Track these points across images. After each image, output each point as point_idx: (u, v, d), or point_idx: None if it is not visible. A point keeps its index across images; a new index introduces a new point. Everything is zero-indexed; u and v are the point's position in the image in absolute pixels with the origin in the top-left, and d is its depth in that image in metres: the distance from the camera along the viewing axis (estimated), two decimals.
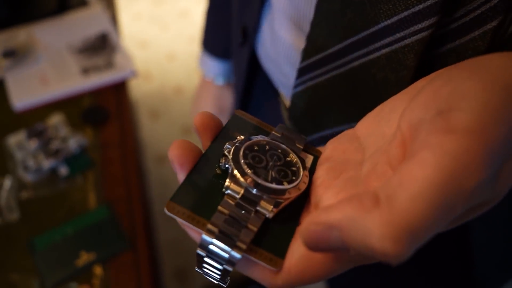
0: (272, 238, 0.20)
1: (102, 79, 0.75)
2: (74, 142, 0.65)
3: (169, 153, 0.22)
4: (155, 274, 0.56)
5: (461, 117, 0.16)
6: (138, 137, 1.61)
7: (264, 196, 0.21)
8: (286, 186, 0.22)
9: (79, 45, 0.79)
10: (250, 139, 0.23)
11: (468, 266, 0.45)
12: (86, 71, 0.76)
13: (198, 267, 0.21)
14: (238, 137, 0.24)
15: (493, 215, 0.37)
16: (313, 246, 0.17)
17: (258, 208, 0.20)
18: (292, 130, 0.26)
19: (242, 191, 0.21)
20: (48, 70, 0.75)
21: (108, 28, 0.82)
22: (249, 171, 0.21)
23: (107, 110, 0.72)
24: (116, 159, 0.66)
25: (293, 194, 0.21)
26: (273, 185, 0.21)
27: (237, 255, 0.19)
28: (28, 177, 0.62)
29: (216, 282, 0.22)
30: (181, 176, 0.22)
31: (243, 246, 0.19)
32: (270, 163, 0.22)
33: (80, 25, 0.83)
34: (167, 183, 1.59)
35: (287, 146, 0.24)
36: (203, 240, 0.19)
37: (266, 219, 0.20)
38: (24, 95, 0.72)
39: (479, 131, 0.15)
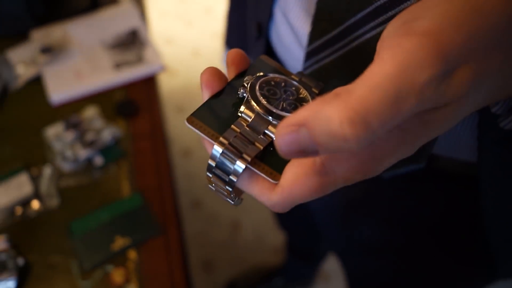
0: (274, 157, 0.22)
1: (133, 74, 0.78)
2: (108, 134, 0.69)
3: (201, 76, 0.25)
4: (184, 259, 0.59)
5: (422, 23, 0.17)
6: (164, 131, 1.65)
7: (273, 122, 0.23)
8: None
9: (111, 41, 0.83)
10: (267, 75, 0.26)
11: (483, 247, 0.45)
12: (118, 65, 0.79)
13: (208, 182, 0.23)
14: (259, 74, 0.26)
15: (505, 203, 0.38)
16: (286, 149, 0.18)
17: (266, 131, 0.23)
18: (311, 77, 0.28)
19: (253, 116, 0.23)
20: (82, 65, 0.79)
21: (138, 24, 0.86)
22: (262, 99, 0.24)
23: (138, 103, 0.75)
24: (147, 150, 0.69)
25: None
26: (282, 113, 0.24)
27: (242, 164, 0.21)
28: (66, 167, 0.66)
29: (225, 199, 0.24)
30: (205, 96, 0.25)
31: (248, 158, 0.21)
32: (283, 96, 0.25)
33: (111, 21, 0.86)
34: (193, 176, 1.63)
35: (303, 87, 0.26)
36: (214, 150, 0.22)
37: (272, 141, 0.23)
38: (60, 89, 0.75)
39: (436, 34, 0.17)
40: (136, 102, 0.75)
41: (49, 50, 0.80)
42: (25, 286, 0.55)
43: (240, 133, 0.22)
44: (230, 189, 0.23)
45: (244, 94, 0.24)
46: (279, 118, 0.23)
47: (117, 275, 0.56)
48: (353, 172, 0.20)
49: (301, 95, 0.26)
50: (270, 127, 0.23)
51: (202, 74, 0.25)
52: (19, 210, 0.61)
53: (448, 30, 0.17)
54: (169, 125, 1.78)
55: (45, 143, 0.69)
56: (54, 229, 0.60)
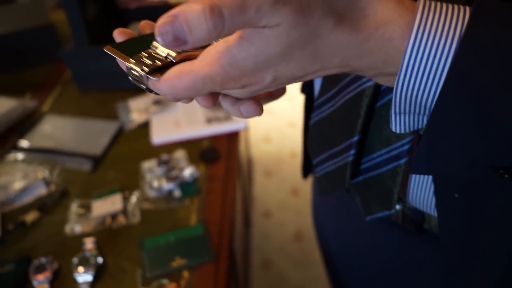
0: (166, 69, 0.29)
1: (220, 128, 0.93)
2: (189, 173, 0.82)
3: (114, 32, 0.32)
4: (228, 286, 0.67)
5: None
6: (249, 191, 1.77)
7: (174, 48, 0.29)
8: None
9: None
10: None
11: None
12: (209, 120, 0.95)
13: (130, 79, 0.31)
14: None
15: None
16: (164, 35, 0.24)
17: (167, 56, 0.29)
18: None
19: (159, 46, 0.30)
20: (181, 117, 0.96)
21: None
22: None
23: (219, 152, 0.88)
24: (219, 190, 0.80)
25: (194, 49, 0.29)
26: None
27: (142, 73, 0.28)
28: (151, 194, 0.80)
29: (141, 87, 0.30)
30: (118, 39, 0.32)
31: (146, 69, 0.28)
32: None
33: None
34: (268, 237, 1.70)
35: None
36: (127, 67, 0.29)
37: (172, 62, 0.29)
38: (161, 133, 0.92)
39: None
40: (218, 150, 0.88)
41: (159, 103, 0.99)
42: (99, 281, 0.67)
43: (149, 55, 0.29)
44: (144, 87, 0.30)
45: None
46: None
47: None
48: (213, 72, 0.26)
49: None
50: (170, 52, 0.29)
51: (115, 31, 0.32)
52: (108, 221, 0.75)
53: None
54: (255, 186, 1.90)
55: (140, 173, 0.84)
56: (130, 241, 0.72)
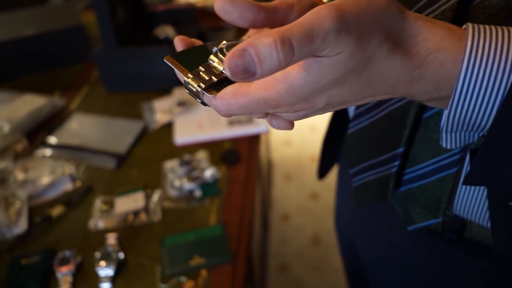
0: (224, 87, 0.30)
1: (242, 131, 0.94)
2: (209, 174, 0.83)
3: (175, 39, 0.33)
4: (245, 287, 0.68)
5: (333, 2, 0.25)
6: (269, 194, 1.78)
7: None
8: None
9: None
10: (237, 41, 0.33)
11: None
12: (231, 123, 0.96)
13: (187, 92, 0.32)
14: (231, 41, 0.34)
15: None
16: (233, 68, 0.24)
17: (223, 70, 0.30)
18: None
19: (216, 61, 0.31)
20: (204, 119, 0.98)
21: None
22: (225, 51, 0.32)
23: (240, 154, 0.89)
24: (239, 192, 0.82)
25: None
26: None
27: (198, 89, 0.30)
28: (172, 193, 0.81)
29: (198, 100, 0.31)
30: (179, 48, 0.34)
31: (203, 86, 0.30)
32: None
33: None
34: (286, 241, 1.70)
35: None
36: (184, 81, 0.30)
37: (227, 78, 0.30)
38: (184, 134, 0.94)
39: (339, 5, 0.25)
40: (239, 153, 0.89)
41: (183, 104, 1.01)
42: (120, 276, 0.69)
43: (206, 69, 0.31)
44: (199, 100, 0.31)
45: (215, 49, 0.33)
46: None
47: (188, 287, 0.67)
48: (269, 97, 0.28)
49: None
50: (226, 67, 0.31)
51: (177, 38, 0.34)
52: (130, 218, 0.78)
53: (347, 5, 0.25)
54: (274, 189, 1.91)
55: (162, 172, 0.86)
56: (151, 238, 0.74)
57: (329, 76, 0.26)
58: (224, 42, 0.34)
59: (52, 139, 0.96)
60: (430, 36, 0.28)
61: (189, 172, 0.84)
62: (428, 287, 0.53)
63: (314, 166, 2.00)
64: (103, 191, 0.84)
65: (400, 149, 0.44)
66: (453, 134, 0.32)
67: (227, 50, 0.32)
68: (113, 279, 0.68)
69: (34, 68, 1.22)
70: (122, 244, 0.73)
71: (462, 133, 0.32)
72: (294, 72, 0.26)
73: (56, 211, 0.79)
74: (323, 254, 1.64)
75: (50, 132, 0.98)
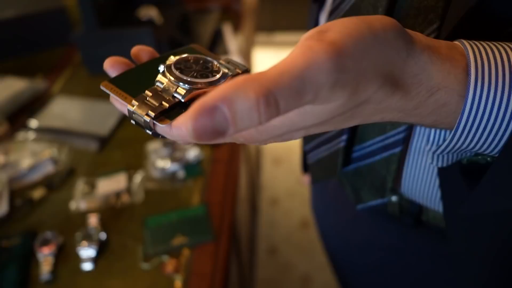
0: (177, 113, 0.25)
1: None
2: (193, 155, 0.83)
3: (105, 64, 0.28)
4: (227, 266, 0.68)
5: (331, 34, 0.21)
6: (257, 178, 1.78)
7: (181, 84, 0.26)
8: (200, 80, 0.27)
9: None
10: (187, 55, 0.29)
11: None
12: None
13: (133, 124, 0.27)
14: (181, 55, 0.29)
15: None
16: (199, 130, 0.19)
17: (174, 94, 0.26)
18: (238, 62, 0.30)
19: (165, 82, 0.27)
20: None
21: None
22: (175, 70, 0.27)
23: None
24: (222, 173, 0.81)
25: (204, 86, 0.26)
26: (191, 79, 0.27)
27: (147, 119, 0.25)
28: (155, 174, 0.81)
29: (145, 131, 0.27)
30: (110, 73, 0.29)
31: (152, 114, 0.25)
32: (197, 68, 0.28)
33: None
34: (275, 224, 1.71)
35: (224, 67, 0.28)
36: (129, 110, 0.26)
37: (181, 102, 0.26)
38: None
39: (338, 44, 0.21)
40: None
41: None
42: (102, 256, 0.69)
43: (153, 94, 0.26)
44: (149, 132, 0.27)
45: (161, 69, 0.28)
46: (186, 82, 0.26)
47: (170, 265, 0.67)
48: (237, 135, 0.25)
49: (214, 68, 0.28)
50: (178, 89, 0.26)
51: (106, 61, 0.29)
52: (113, 199, 0.77)
53: (348, 43, 0.21)
54: (263, 174, 1.91)
55: (144, 154, 0.86)
56: (133, 219, 0.74)
57: (311, 121, 0.24)
58: (172, 57, 0.29)
59: (34, 122, 0.95)
60: (434, 72, 0.25)
61: (172, 153, 0.83)
62: (387, 269, 0.54)
63: None
64: (85, 173, 0.83)
65: None
66: (445, 155, 0.31)
67: (177, 68, 0.27)
68: (95, 260, 0.68)
69: (14, 52, 1.20)
70: (104, 225, 0.73)
71: (455, 155, 0.31)
72: None
73: (38, 193, 0.78)
74: (311, 237, 1.65)
75: (32, 115, 0.97)
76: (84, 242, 0.69)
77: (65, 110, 0.98)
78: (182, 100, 0.26)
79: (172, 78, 0.27)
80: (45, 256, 0.68)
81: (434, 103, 0.26)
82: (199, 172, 0.81)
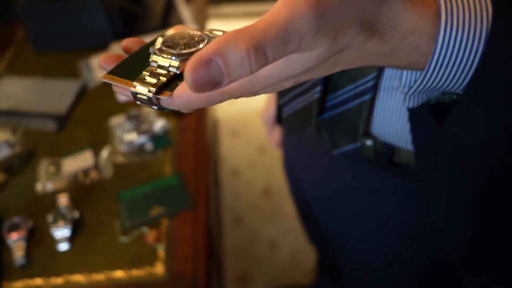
0: (176, 85, 0.28)
1: None
2: (159, 125, 0.81)
3: (99, 60, 0.31)
4: (208, 231, 0.68)
5: None
6: (216, 151, 1.78)
7: (173, 58, 0.28)
8: (189, 50, 0.29)
9: None
10: (171, 33, 0.31)
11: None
12: None
13: (139, 103, 0.30)
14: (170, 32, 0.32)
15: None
16: (197, 81, 0.21)
17: (169, 68, 0.28)
18: (220, 29, 0.32)
19: (158, 60, 0.29)
20: None
21: None
22: (164, 47, 0.29)
23: None
24: (191, 141, 0.81)
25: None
26: (180, 51, 0.28)
27: (150, 94, 0.27)
28: (123, 148, 0.79)
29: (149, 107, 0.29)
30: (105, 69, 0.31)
31: (153, 90, 0.27)
32: (184, 42, 0.30)
33: None
34: (238, 195, 1.72)
35: (208, 36, 0.30)
36: (132, 93, 0.28)
37: (176, 74, 0.28)
38: None
39: None
40: None
41: None
42: (77, 235, 0.67)
43: (150, 73, 0.28)
44: (155, 107, 0.29)
45: (151, 50, 0.30)
46: (179, 55, 0.29)
47: (150, 235, 0.66)
48: (233, 89, 0.27)
49: (200, 39, 0.30)
50: (171, 63, 0.28)
51: (101, 58, 0.31)
52: (81, 177, 0.74)
53: None
54: (221, 146, 1.91)
55: (108, 129, 0.83)
56: (106, 195, 0.72)
57: (299, 69, 0.25)
58: (160, 38, 0.31)
59: None
60: (407, 17, 0.27)
61: (138, 126, 0.81)
62: (364, 211, 0.57)
63: (259, 121, 2.02)
64: (47, 154, 0.79)
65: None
66: (414, 95, 0.33)
67: (166, 46, 0.29)
68: (70, 239, 0.66)
69: None
70: (75, 203, 0.71)
71: (424, 94, 0.33)
72: None
73: None
74: (275, 203, 1.69)
75: None
76: (57, 223, 0.66)
77: (14, 91, 0.92)
78: (177, 72, 0.29)
79: (164, 55, 0.29)
80: (16, 242, 0.65)
81: (408, 45, 0.28)
82: (168, 143, 0.80)
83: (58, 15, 0.97)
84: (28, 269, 0.63)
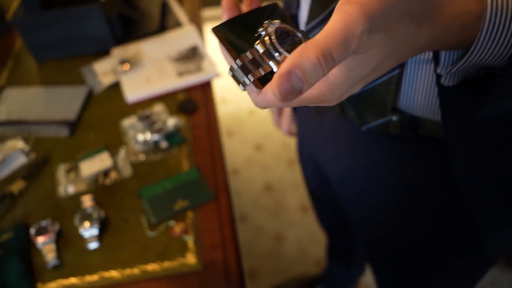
0: (267, 80, 0.30)
1: (193, 80, 0.94)
2: (171, 123, 0.83)
3: (222, 2, 0.34)
4: (232, 219, 0.70)
5: None
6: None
7: (276, 55, 0.30)
8: (293, 51, 0.31)
9: (175, 55, 0.99)
10: (283, 25, 0.33)
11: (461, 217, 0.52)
12: (181, 74, 0.95)
13: (230, 76, 0.32)
14: (276, 20, 0.33)
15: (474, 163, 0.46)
16: (283, 92, 0.25)
17: (270, 63, 0.30)
18: (307, 34, 0.35)
19: (264, 49, 0.31)
20: (152, 74, 0.96)
21: (198, 42, 1.02)
22: (274, 39, 0.31)
23: (197, 102, 0.89)
24: (204, 136, 0.82)
25: None
26: (285, 53, 0.30)
27: (247, 80, 0.30)
28: (138, 147, 0.80)
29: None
30: (225, 16, 0.35)
31: (251, 78, 0.30)
32: (289, 42, 0.32)
33: (176, 40, 1.03)
34: (240, 193, 1.74)
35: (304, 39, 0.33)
36: (232, 67, 0.30)
37: (272, 71, 0.30)
38: (134, 91, 0.92)
39: (365, 3, 0.26)
40: (195, 101, 0.90)
41: (126, 62, 0.98)
42: (106, 233, 0.68)
43: (253, 58, 0.30)
44: (241, 87, 0.31)
45: (262, 33, 0.32)
46: (281, 55, 0.30)
47: (178, 228, 0.68)
48: (313, 96, 0.30)
49: (302, 42, 0.32)
50: (273, 60, 0.30)
51: (222, 2, 0.34)
52: (101, 178, 0.76)
53: (373, 1, 0.26)
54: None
55: (121, 131, 0.84)
56: (128, 193, 0.73)
57: (369, 67, 0.29)
58: (272, 23, 0.33)
59: None
60: (455, 1, 0.29)
61: (150, 126, 0.83)
62: (390, 187, 0.59)
63: (253, 119, 2.04)
64: (62, 159, 0.80)
65: None
66: (455, 73, 0.36)
67: (275, 38, 0.31)
68: (99, 238, 0.67)
69: None
70: (99, 203, 0.72)
71: (464, 71, 0.36)
72: (335, 71, 0.28)
73: (17, 186, 0.75)
74: (277, 198, 1.71)
75: None
76: (85, 223, 0.67)
77: (21, 101, 0.93)
78: (275, 71, 0.31)
79: (270, 48, 0.31)
80: (45, 244, 0.66)
81: (455, 28, 0.30)
82: (182, 140, 0.82)
83: (58, 23, 0.98)
84: (61, 270, 0.64)
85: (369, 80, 0.31)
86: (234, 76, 0.31)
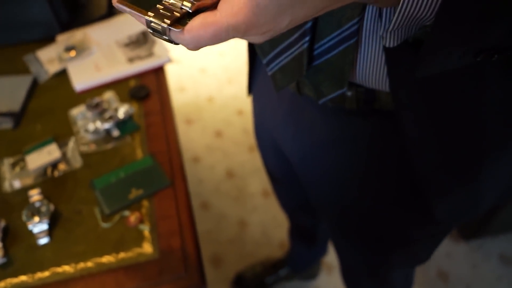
0: (186, 21, 0.30)
1: (144, 65, 0.91)
2: (123, 111, 0.80)
3: None
4: (189, 205, 0.69)
5: None
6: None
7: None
8: None
9: (125, 41, 0.96)
10: None
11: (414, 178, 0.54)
12: (131, 60, 0.92)
13: (152, 35, 0.32)
14: None
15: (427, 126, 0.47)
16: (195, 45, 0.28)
17: (182, 6, 0.30)
18: None
19: None
20: (101, 60, 0.92)
21: None
22: None
23: (149, 88, 0.87)
24: (158, 123, 0.80)
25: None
26: None
27: (164, 25, 0.29)
28: (88, 137, 0.77)
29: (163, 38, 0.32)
30: None
31: (168, 21, 0.30)
32: None
33: (125, 25, 0.99)
34: (201, 181, 1.72)
35: None
36: (146, 21, 0.30)
37: (188, 12, 0.30)
38: (82, 79, 0.88)
39: None
40: (147, 87, 0.87)
41: (72, 49, 0.93)
42: (57, 227, 0.65)
43: (162, 9, 0.31)
44: (166, 38, 0.31)
45: None
46: None
47: (133, 217, 0.66)
48: (239, 22, 0.29)
49: None
50: (185, 2, 0.31)
51: None
52: (49, 170, 0.72)
53: None
54: (179, 135, 1.89)
55: (70, 120, 0.80)
56: (79, 185, 0.70)
57: None
58: None
59: None
60: None
61: (100, 114, 0.80)
62: (350, 163, 0.60)
63: (212, 107, 2.02)
64: (8, 153, 0.76)
65: (308, 24, 0.47)
66: (394, 32, 0.35)
67: None
68: (49, 232, 0.64)
69: None
70: (49, 197, 0.68)
71: (403, 30, 0.35)
72: None
73: None
74: (239, 184, 1.71)
75: None
76: (34, 218, 0.64)
77: None
78: (190, 11, 0.30)
79: None
80: None
81: None
82: (135, 127, 0.79)
83: None
84: (10, 268, 0.61)
85: (296, 14, 0.30)
86: (152, 29, 0.30)
